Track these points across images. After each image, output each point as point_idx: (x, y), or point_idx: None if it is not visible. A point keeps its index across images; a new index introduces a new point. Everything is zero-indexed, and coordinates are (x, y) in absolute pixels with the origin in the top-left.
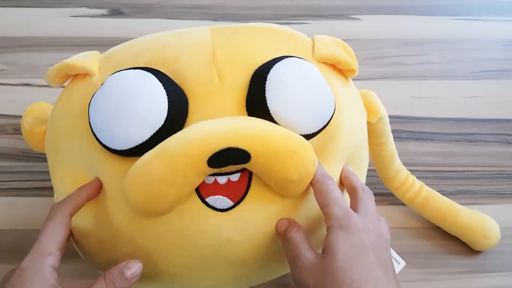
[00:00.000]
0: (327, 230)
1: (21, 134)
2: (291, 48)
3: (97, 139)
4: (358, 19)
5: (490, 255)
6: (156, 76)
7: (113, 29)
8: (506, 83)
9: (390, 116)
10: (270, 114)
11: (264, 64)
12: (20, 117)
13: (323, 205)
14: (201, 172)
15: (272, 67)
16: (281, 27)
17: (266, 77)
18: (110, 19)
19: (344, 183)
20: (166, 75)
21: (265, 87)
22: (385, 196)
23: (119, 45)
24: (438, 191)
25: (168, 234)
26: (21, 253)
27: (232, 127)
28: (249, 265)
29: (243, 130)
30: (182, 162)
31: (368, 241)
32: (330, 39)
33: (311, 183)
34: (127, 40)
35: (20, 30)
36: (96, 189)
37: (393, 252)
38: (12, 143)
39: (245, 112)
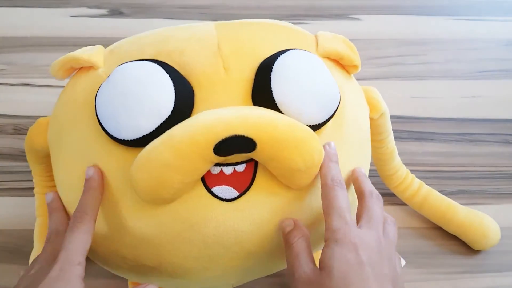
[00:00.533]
0: (325, 242)
1: (21, 134)
2: (296, 42)
3: (104, 129)
4: (358, 19)
5: (489, 255)
6: (162, 67)
7: (113, 29)
8: (506, 83)
9: (390, 116)
10: (276, 104)
11: (270, 56)
12: (20, 117)
13: (325, 212)
14: (207, 160)
15: (277, 58)
16: (285, 23)
17: (272, 68)
18: (110, 19)
19: (354, 185)
20: (172, 67)
21: (270, 77)
22: (385, 196)
23: (124, 39)
24: (438, 191)
25: (173, 223)
26: (21, 253)
27: (238, 115)
28: (252, 255)
29: (249, 118)
30: (188, 148)
31: (364, 256)
32: (332, 35)
33: (321, 185)
34: None
35: (20, 30)
36: (103, 183)
37: None
38: (12, 143)
39: (251, 103)
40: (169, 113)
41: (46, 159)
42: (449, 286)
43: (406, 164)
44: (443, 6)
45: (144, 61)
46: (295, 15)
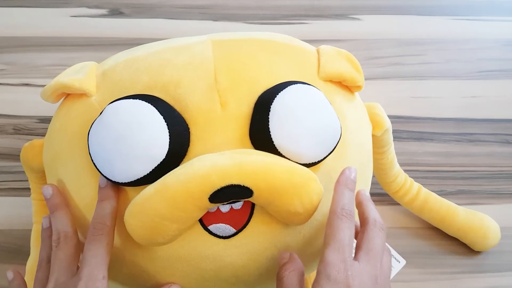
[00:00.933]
0: (316, 274)
1: (21, 134)
2: (296, 66)
3: (98, 169)
4: (358, 19)
5: (490, 255)
6: (156, 107)
7: (113, 29)
8: (506, 83)
9: (390, 116)
10: (274, 145)
11: (268, 90)
12: (20, 117)
13: (325, 241)
14: (202, 208)
15: (275, 96)
16: (285, 38)
17: (270, 107)
18: (110, 19)
19: (357, 210)
20: (166, 104)
21: (268, 118)
22: (385, 196)
23: (118, 56)
24: (438, 191)
25: (170, 259)
26: (21, 253)
27: (234, 163)
28: (249, 284)
29: (245, 166)
30: (183, 199)
31: None
32: (335, 51)
33: (329, 210)
34: (127, 40)
35: (20, 30)
36: (118, 192)
37: (393, 252)
38: (12, 143)
39: (249, 142)
40: (164, 157)
41: (42, 172)
42: (449, 286)
43: (406, 164)
44: (443, 6)
45: (137, 99)
46: (295, 15)
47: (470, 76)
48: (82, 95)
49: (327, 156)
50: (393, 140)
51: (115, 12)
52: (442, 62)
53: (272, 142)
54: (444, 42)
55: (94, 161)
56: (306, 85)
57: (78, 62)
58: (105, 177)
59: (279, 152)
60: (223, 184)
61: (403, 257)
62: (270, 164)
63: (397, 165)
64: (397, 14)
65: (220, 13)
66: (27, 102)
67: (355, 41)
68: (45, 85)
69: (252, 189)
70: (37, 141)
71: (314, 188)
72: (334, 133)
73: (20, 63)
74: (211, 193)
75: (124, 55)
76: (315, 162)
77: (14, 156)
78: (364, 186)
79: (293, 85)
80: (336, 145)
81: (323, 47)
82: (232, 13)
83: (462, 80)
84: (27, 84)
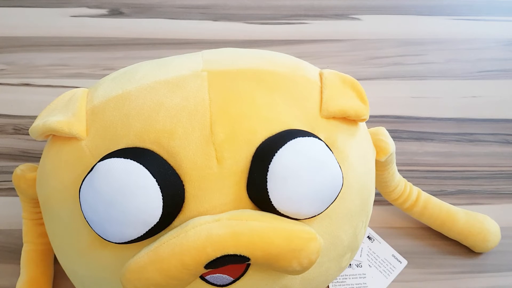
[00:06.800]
0: None
1: (21, 134)
2: (297, 104)
3: (91, 228)
4: (358, 19)
5: (490, 255)
6: (148, 169)
7: (113, 29)
8: (506, 83)
9: (390, 116)
10: (272, 205)
11: (267, 142)
12: (20, 117)
13: None
14: (197, 274)
15: (274, 154)
16: (287, 65)
17: (268, 167)
18: (110, 19)
19: None
20: (159, 160)
21: (266, 178)
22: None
23: (108, 87)
24: (438, 191)
25: None
26: (20, 253)
27: (229, 232)
28: None
29: (241, 236)
30: (178, 271)
31: None
32: (339, 80)
33: None
34: (127, 40)
35: (20, 30)
36: None
37: (394, 252)
38: (12, 143)
39: (247, 199)
40: (157, 220)
41: (35, 199)
42: (449, 286)
43: (406, 164)
44: (443, 6)
45: (129, 160)
46: (295, 15)
47: (470, 76)
48: (72, 137)
49: (327, 207)
50: (393, 140)
51: (115, 12)
52: (442, 62)
53: (271, 202)
54: (444, 42)
55: (87, 219)
56: (306, 137)
57: (78, 62)
58: (99, 235)
59: (278, 211)
60: (218, 255)
61: (403, 257)
62: (268, 231)
63: (398, 175)
64: (397, 14)
65: (220, 13)
66: (27, 102)
67: (355, 41)
68: (45, 85)
69: (249, 257)
70: (29, 173)
71: (313, 248)
72: (336, 188)
73: (20, 63)
74: (206, 263)
75: (115, 87)
76: (315, 215)
77: (14, 156)
78: (365, 219)
79: (292, 140)
80: (336, 197)
81: (327, 75)
82: (232, 13)
83: (462, 80)
84: (27, 84)
